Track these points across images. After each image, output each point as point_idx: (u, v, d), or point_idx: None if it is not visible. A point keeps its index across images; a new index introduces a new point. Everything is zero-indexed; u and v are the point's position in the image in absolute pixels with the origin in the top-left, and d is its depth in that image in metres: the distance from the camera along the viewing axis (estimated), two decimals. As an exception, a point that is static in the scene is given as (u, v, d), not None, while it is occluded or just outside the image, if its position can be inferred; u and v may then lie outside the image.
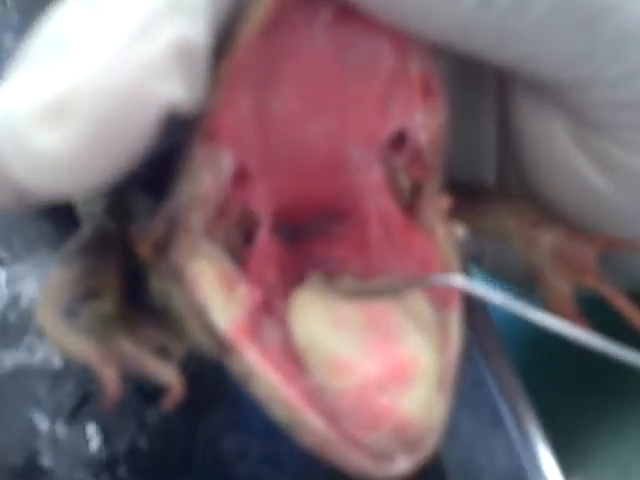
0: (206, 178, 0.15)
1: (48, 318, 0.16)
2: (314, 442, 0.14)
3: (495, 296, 0.15)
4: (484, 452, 0.20)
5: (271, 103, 0.16)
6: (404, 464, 0.14)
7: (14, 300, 0.26)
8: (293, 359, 0.15)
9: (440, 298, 0.16)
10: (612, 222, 0.19)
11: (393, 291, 0.16)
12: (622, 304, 0.18)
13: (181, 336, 0.16)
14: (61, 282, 0.16)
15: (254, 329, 0.15)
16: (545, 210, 0.20)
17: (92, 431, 0.23)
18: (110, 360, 0.16)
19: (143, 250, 0.16)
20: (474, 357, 0.22)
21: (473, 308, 0.22)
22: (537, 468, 0.20)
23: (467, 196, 0.20)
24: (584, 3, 0.14)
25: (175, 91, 0.12)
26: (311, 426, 0.14)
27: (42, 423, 0.23)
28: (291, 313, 0.15)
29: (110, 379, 0.16)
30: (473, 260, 0.24)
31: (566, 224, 0.19)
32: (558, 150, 0.18)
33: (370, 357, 0.15)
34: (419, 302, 0.16)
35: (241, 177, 0.16)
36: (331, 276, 0.17)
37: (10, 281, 0.26)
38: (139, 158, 0.13)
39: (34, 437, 0.23)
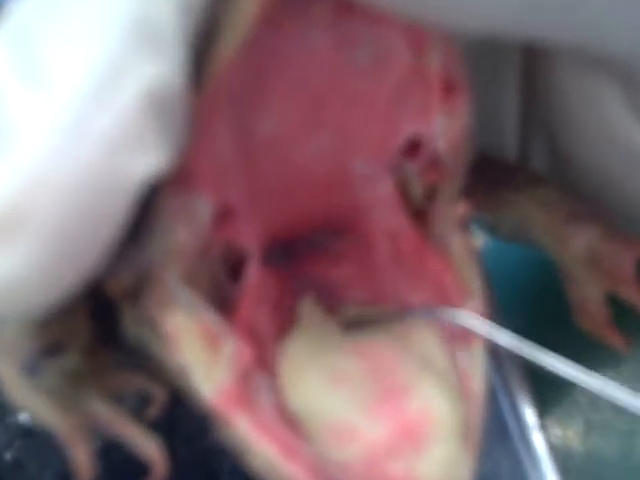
0: (181, 231, 0.12)
1: (7, 375, 0.14)
2: None
3: (504, 337, 0.13)
4: (488, 464, 0.19)
5: (257, 128, 0.13)
6: None
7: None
8: (290, 424, 0.13)
9: (456, 332, 0.14)
10: None
11: (392, 319, 0.14)
12: None
13: (162, 378, 0.14)
14: (20, 332, 0.14)
15: (245, 394, 0.13)
16: (578, 198, 0.17)
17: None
18: (80, 432, 0.14)
19: (113, 292, 0.13)
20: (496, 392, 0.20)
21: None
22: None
23: (487, 179, 0.17)
24: None
25: (152, 158, 0.10)
26: None
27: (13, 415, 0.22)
28: (283, 370, 0.13)
29: (81, 459, 0.14)
30: (488, 228, 0.22)
31: (603, 215, 0.17)
32: (614, 125, 0.16)
33: (375, 418, 0.13)
34: (429, 340, 0.14)
35: (224, 214, 0.13)
36: (329, 303, 0.14)
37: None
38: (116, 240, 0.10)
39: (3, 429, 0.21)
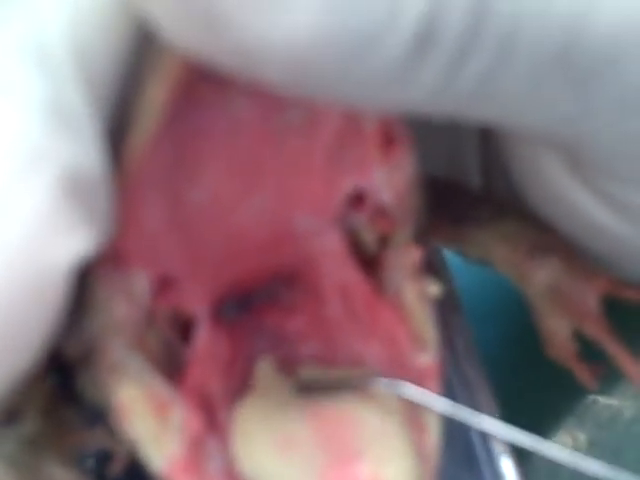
0: (119, 306, 0.12)
1: None
2: None
3: (445, 406, 0.13)
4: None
5: (188, 195, 0.13)
6: None
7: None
8: None
9: (413, 379, 0.14)
10: (623, 257, 0.16)
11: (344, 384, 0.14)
12: (622, 355, 0.16)
13: (122, 436, 0.14)
14: None
15: (194, 463, 0.13)
16: (540, 227, 0.17)
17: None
18: None
19: (67, 356, 0.13)
20: (453, 387, 0.20)
21: (452, 328, 0.19)
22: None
23: (450, 212, 0.17)
24: (578, 58, 0.11)
25: (79, 239, 0.10)
26: None
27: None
28: (235, 435, 0.13)
29: None
30: (457, 251, 0.22)
31: (566, 246, 0.16)
32: (554, 184, 0.15)
33: None
34: (387, 403, 0.14)
35: (165, 284, 0.13)
36: (285, 362, 0.14)
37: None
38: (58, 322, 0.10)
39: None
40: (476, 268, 0.20)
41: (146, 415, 0.12)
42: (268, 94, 0.12)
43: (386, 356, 0.14)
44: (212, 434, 0.13)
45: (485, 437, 0.19)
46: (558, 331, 0.16)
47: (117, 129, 0.10)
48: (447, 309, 0.20)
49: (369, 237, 0.14)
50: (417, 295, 0.14)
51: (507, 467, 0.19)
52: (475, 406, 0.19)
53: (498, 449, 0.19)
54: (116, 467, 0.15)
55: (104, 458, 0.15)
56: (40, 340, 0.10)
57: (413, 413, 0.13)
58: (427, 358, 0.14)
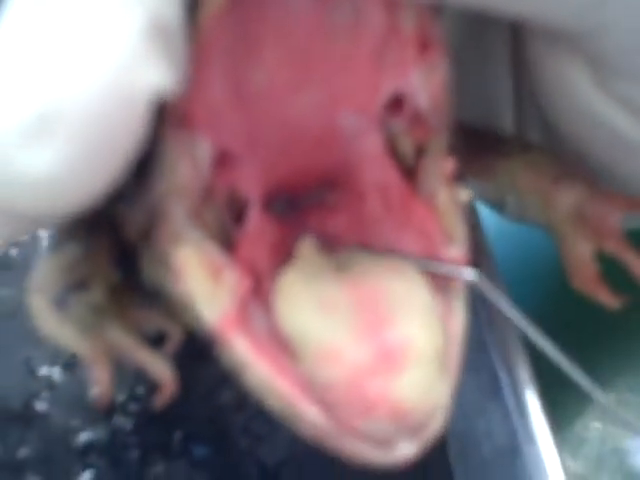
0: (183, 167, 0.13)
1: (41, 309, 0.15)
2: (312, 432, 0.14)
3: (505, 305, 0.14)
4: (483, 422, 0.20)
5: (251, 78, 0.14)
6: (406, 450, 0.13)
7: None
8: (283, 347, 0.14)
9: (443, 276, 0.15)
10: None
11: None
12: None
13: (178, 318, 0.16)
14: (50, 270, 0.16)
15: (244, 319, 0.14)
16: (567, 162, 0.18)
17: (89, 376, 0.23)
18: (102, 355, 0.16)
19: (130, 234, 0.15)
20: (479, 321, 0.21)
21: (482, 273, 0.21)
22: (533, 443, 0.19)
23: (480, 147, 0.18)
24: None
25: (159, 75, 0.11)
26: (308, 418, 0.13)
27: (40, 367, 0.23)
28: (278, 299, 0.14)
29: (102, 379, 0.15)
30: (495, 207, 0.23)
31: (591, 176, 0.18)
32: (580, 97, 0.17)
33: (360, 343, 0.14)
34: (416, 281, 0.15)
35: (225, 160, 0.14)
36: (326, 248, 0.16)
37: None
38: (133, 156, 0.12)
39: (32, 381, 0.23)
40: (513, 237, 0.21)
41: (201, 276, 0.14)
42: None
43: (419, 248, 0.15)
44: (258, 299, 0.14)
45: (510, 368, 0.20)
46: (581, 254, 0.17)
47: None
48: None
49: (407, 146, 0.16)
50: (449, 198, 0.15)
51: (531, 397, 0.20)
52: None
53: (523, 379, 0.20)
54: (170, 347, 0.16)
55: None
56: (122, 158, 0.11)
57: (443, 296, 0.15)
58: (457, 251, 0.15)
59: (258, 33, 0.14)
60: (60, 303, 0.16)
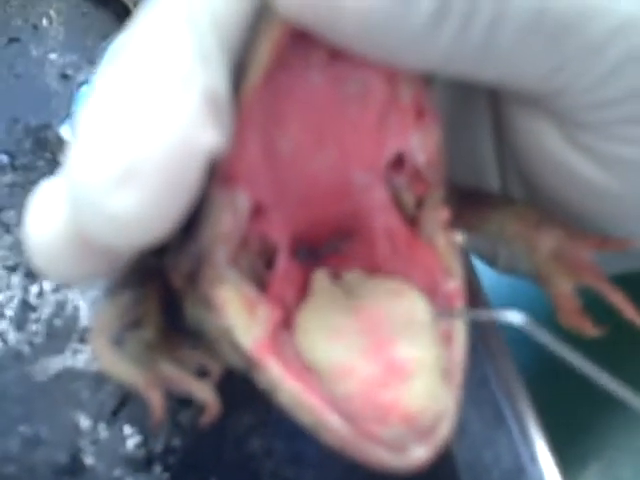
0: (226, 218, 0.16)
1: (101, 347, 0.18)
2: (336, 441, 0.16)
3: (556, 345, 0.15)
4: (490, 451, 0.22)
5: (278, 142, 0.17)
6: (419, 453, 0.15)
7: (60, 307, 0.28)
8: (308, 369, 0.16)
9: (444, 300, 0.17)
10: (615, 216, 0.20)
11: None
12: (619, 299, 0.19)
13: (216, 355, 0.18)
14: (109, 313, 0.18)
15: (275, 346, 0.16)
16: (547, 212, 0.21)
17: (130, 431, 0.25)
18: (154, 384, 0.18)
19: (176, 281, 0.18)
20: (479, 357, 0.23)
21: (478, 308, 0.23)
22: (535, 464, 0.21)
23: (472, 203, 0.21)
24: (550, 19, 0.15)
25: (213, 137, 0.14)
26: (332, 427, 0.15)
27: (85, 423, 0.25)
28: (299, 330, 0.17)
29: (156, 402, 0.18)
30: (488, 262, 0.25)
31: (568, 223, 0.20)
32: (550, 150, 0.19)
33: (368, 360, 0.16)
34: (417, 301, 0.17)
35: (257, 212, 0.17)
36: (337, 273, 0.18)
37: (56, 289, 0.29)
38: (189, 204, 0.14)
39: (78, 436, 0.25)
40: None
41: (239, 310, 0.16)
42: (335, 69, 0.17)
43: (424, 282, 0.18)
44: (287, 330, 0.17)
45: (512, 398, 0.22)
46: (563, 290, 0.20)
47: (238, 72, 0.15)
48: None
49: (408, 198, 0.19)
50: (447, 241, 0.18)
51: (532, 425, 0.22)
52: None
53: (524, 408, 0.22)
54: (212, 379, 0.19)
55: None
56: (185, 202, 0.14)
57: (445, 316, 0.17)
58: (455, 284, 0.18)
59: (284, 105, 0.17)
60: (117, 342, 0.18)
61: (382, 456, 0.15)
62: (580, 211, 0.20)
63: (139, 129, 0.13)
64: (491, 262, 0.25)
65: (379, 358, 0.16)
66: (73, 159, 0.14)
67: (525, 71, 0.17)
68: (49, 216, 0.15)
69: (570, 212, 0.20)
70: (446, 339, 0.17)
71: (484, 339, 0.23)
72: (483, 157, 0.23)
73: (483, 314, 0.17)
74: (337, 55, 0.17)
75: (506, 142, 0.21)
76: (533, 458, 0.21)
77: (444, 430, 0.16)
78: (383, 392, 0.15)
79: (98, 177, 0.13)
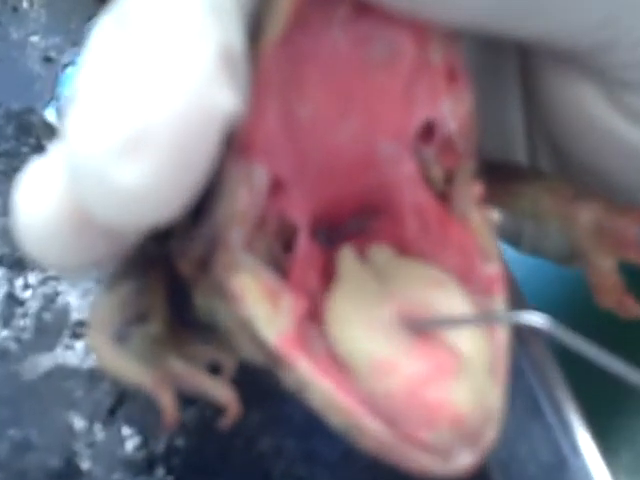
0: (242, 194, 0.14)
1: (101, 344, 0.16)
2: (374, 446, 0.14)
3: (579, 344, 0.13)
4: (525, 444, 0.20)
5: (298, 110, 0.15)
6: (467, 458, 0.14)
7: (49, 300, 0.26)
8: (341, 365, 0.15)
9: (481, 286, 0.16)
10: None
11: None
12: None
13: (230, 349, 0.16)
14: (109, 306, 0.16)
15: (302, 339, 0.15)
16: (581, 184, 0.19)
17: (129, 432, 0.23)
18: (164, 384, 0.16)
19: (185, 268, 0.16)
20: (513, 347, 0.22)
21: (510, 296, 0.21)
22: (578, 455, 0.20)
23: (501, 178, 0.19)
24: None
25: (230, 100, 0.12)
26: (370, 431, 0.14)
27: (79, 424, 0.23)
28: (330, 320, 0.15)
29: (167, 403, 0.16)
30: (511, 242, 0.24)
31: (605, 195, 0.19)
32: (592, 113, 0.18)
33: (410, 354, 0.14)
34: (456, 292, 0.16)
35: (276, 188, 0.15)
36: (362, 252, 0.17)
37: (43, 281, 0.27)
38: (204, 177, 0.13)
39: (72, 439, 0.23)
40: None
41: (260, 300, 0.15)
42: (359, 27, 0.15)
43: (458, 264, 0.16)
44: (313, 321, 0.15)
45: (549, 388, 0.20)
46: (604, 267, 0.18)
47: (253, 30, 0.13)
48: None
49: (438, 173, 0.17)
50: (482, 219, 0.16)
51: (572, 414, 0.20)
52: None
53: (562, 398, 0.20)
54: (225, 377, 0.17)
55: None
56: (199, 174, 0.12)
57: (485, 307, 0.16)
58: (494, 268, 0.16)
59: (304, 69, 0.15)
60: (119, 338, 0.16)
61: (426, 462, 0.14)
62: (622, 183, 0.19)
63: (147, 88, 0.12)
64: (515, 242, 0.23)
65: (423, 351, 0.14)
66: (72, 124, 0.12)
67: (574, 22, 0.15)
68: (43, 192, 0.13)
69: (609, 184, 0.19)
70: (488, 332, 0.15)
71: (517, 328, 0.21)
72: (511, 129, 0.21)
73: (503, 316, 0.16)
74: (361, 13, 0.15)
75: (539, 112, 0.20)
76: (574, 448, 0.19)
77: (492, 433, 0.14)
78: (429, 388, 0.14)
79: (101, 144, 0.12)
